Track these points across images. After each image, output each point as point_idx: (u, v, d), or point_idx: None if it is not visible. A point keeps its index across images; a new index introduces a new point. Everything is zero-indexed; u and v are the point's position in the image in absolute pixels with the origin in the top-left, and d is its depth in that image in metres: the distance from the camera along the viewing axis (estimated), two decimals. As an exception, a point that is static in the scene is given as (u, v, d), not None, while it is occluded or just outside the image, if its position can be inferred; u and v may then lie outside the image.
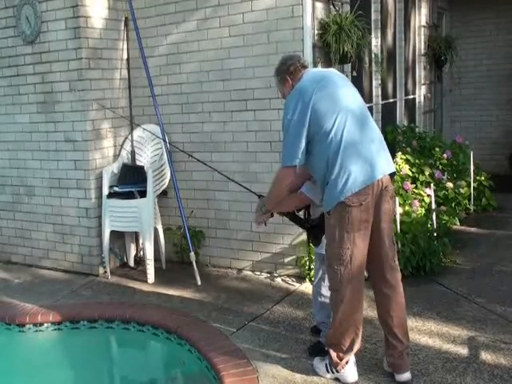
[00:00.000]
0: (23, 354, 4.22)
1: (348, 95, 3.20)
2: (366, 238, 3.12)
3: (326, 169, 3.10)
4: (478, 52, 9.23)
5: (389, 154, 3.24)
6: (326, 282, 3.55)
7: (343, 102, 3.13)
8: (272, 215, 3.59)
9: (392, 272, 3.24)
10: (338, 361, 3.25)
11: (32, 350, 4.28)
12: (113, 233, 5.31)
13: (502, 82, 9.16)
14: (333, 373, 3.30)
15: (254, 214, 3.63)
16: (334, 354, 3.25)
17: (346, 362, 3.26)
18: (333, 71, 3.43)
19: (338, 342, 3.23)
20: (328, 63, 5.00)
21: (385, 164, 3.14)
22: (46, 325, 4.36)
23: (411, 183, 5.80)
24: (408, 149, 6.49)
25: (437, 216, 5.53)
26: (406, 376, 3.24)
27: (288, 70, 3.33)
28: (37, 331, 4.36)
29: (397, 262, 3.30)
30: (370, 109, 6.19)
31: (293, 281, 4.96)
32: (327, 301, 3.55)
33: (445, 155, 6.72)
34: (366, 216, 3.08)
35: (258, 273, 5.21)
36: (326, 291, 3.53)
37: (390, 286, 3.24)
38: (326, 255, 3.26)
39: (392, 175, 3.23)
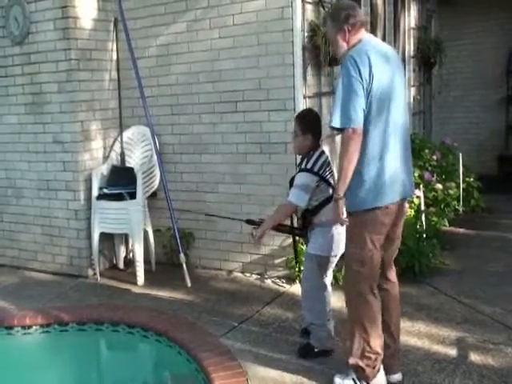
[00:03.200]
0: (11, 356, 4.18)
1: (400, 98, 3.04)
2: (382, 241, 3.10)
3: (361, 162, 2.95)
4: (467, 54, 9.29)
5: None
6: (317, 283, 3.57)
7: (394, 104, 2.98)
8: (261, 237, 3.57)
9: (391, 271, 3.27)
10: (373, 370, 3.10)
11: (20, 352, 4.24)
12: (102, 235, 5.29)
13: (490, 84, 9.22)
14: None
15: (256, 233, 3.57)
16: (367, 368, 3.09)
17: (378, 369, 3.14)
18: (394, 54, 3.14)
19: (370, 350, 3.08)
20: (318, 65, 5.02)
21: (410, 186, 3.16)
22: (34, 327, 4.33)
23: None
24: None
25: (426, 217, 5.56)
26: (398, 376, 3.24)
27: (347, 20, 3.01)
28: (25, 334, 4.32)
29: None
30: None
31: (283, 282, 4.96)
32: (316, 302, 3.57)
33: (434, 157, 6.75)
34: (388, 221, 3.06)
35: (248, 274, 5.21)
36: (314, 291, 3.56)
37: (390, 282, 3.25)
38: (345, 255, 3.16)
39: None
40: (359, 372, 3.13)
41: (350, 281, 3.13)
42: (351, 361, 3.13)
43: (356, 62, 2.90)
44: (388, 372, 3.24)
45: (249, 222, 3.69)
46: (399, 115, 3.03)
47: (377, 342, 3.08)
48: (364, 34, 3.07)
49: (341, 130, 2.93)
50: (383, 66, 2.95)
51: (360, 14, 3.08)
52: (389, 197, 3.01)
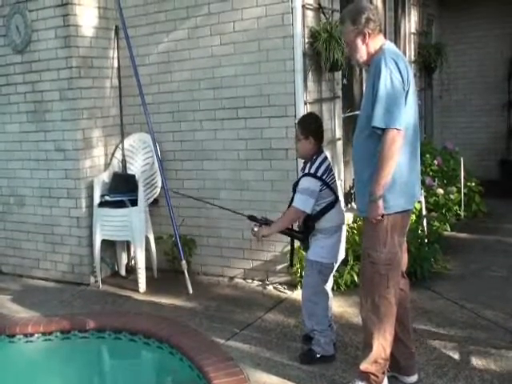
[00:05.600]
0: (13, 364, 4.18)
1: (416, 101, 3.10)
2: (403, 242, 3.17)
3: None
4: (468, 59, 9.30)
5: None
6: (318, 289, 3.57)
7: (414, 107, 3.03)
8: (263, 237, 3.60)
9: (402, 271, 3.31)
10: (382, 375, 3.12)
11: (22, 360, 4.25)
12: (104, 242, 5.29)
13: (491, 88, 9.22)
14: None
15: (259, 231, 3.57)
16: (380, 374, 3.10)
17: (384, 373, 3.15)
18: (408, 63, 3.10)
19: (383, 357, 3.09)
20: (318, 71, 5.03)
21: (419, 189, 3.25)
22: (36, 335, 4.33)
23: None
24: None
25: (427, 222, 5.56)
26: (414, 378, 3.28)
27: (368, 25, 3.01)
28: (27, 342, 4.32)
29: None
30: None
31: (284, 288, 4.96)
32: (318, 308, 3.56)
33: (435, 161, 6.75)
34: (407, 222, 3.16)
35: (250, 281, 5.21)
36: (315, 297, 3.57)
37: (404, 281, 3.28)
38: (370, 259, 3.04)
39: None
40: (368, 379, 3.11)
41: (377, 285, 3.04)
42: (362, 367, 3.12)
43: (398, 64, 2.92)
44: (405, 373, 3.27)
45: (251, 218, 3.70)
46: (416, 118, 3.09)
47: (389, 348, 3.10)
48: (383, 38, 3.11)
49: (383, 130, 2.89)
50: (411, 71, 3.02)
51: (378, 17, 3.08)
52: (413, 199, 3.13)
